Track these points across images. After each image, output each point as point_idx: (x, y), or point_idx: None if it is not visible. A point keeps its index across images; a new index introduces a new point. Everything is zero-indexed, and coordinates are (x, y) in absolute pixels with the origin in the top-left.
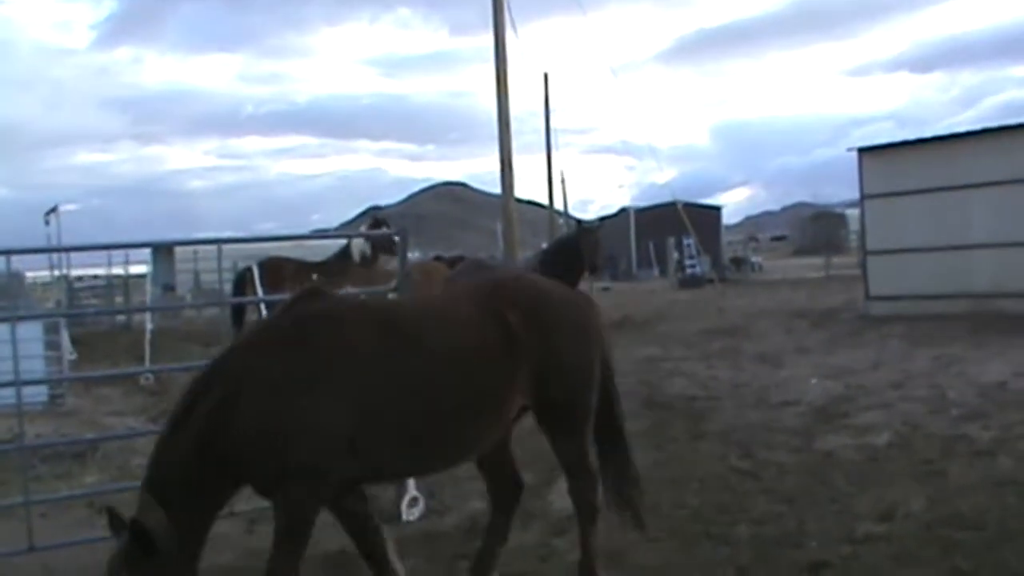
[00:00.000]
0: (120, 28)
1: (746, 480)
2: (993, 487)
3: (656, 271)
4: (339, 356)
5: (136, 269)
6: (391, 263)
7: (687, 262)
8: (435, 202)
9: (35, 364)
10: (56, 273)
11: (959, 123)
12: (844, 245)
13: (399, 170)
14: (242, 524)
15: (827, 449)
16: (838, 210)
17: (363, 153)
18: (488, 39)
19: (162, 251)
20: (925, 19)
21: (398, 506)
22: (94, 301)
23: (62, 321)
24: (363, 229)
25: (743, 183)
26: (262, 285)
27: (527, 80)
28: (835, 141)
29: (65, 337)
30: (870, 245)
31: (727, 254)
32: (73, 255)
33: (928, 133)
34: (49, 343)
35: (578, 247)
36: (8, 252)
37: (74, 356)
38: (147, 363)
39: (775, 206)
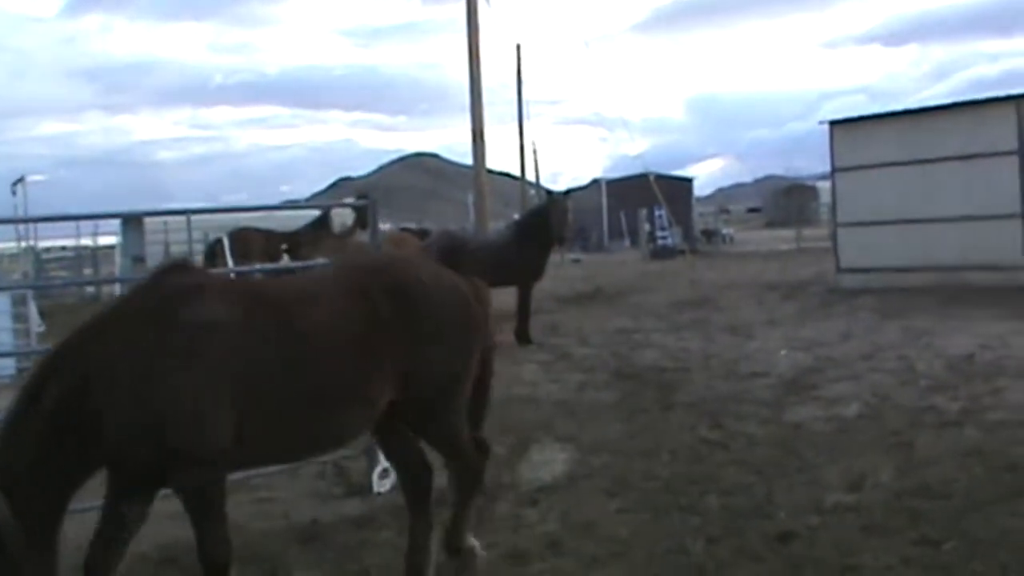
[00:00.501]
0: None
1: (716, 451)
2: (960, 457)
3: (627, 242)
4: (211, 333)
5: (105, 240)
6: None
7: (658, 234)
8: (406, 173)
9: (3, 336)
10: (23, 244)
11: (930, 97)
12: (815, 218)
13: (370, 141)
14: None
15: (796, 420)
16: (810, 183)
17: (334, 124)
18: (460, 9)
19: (132, 222)
20: None
21: (369, 477)
22: (62, 273)
23: (29, 293)
24: (346, 200)
25: (716, 155)
26: (232, 256)
27: (500, 51)
28: (808, 114)
29: (33, 309)
30: (840, 218)
31: (699, 226)
32: (40, 226)
33: (899, 107)
34: (17, 315)
35: (548, 218)
36: None
37: (42, 328)
38: None
39: (748, 178)
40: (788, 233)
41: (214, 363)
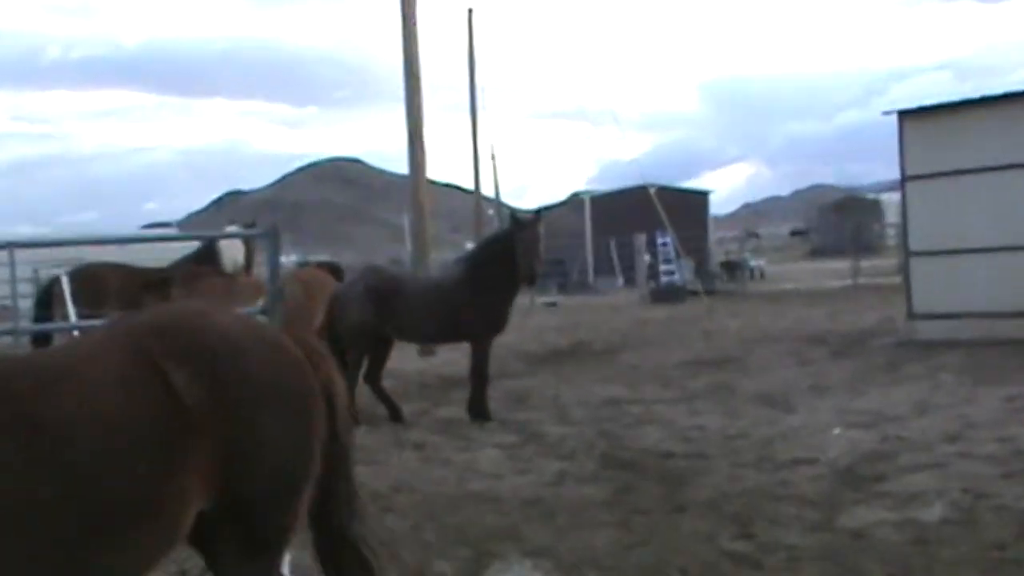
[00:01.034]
0: None
1: (744, 569)
2: None
3: (620, 280)
4: None
5: None
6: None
7: (662, 267)
8: (319, 186)
9: None
10: None
11: None
12: (878, 243)
13: (268, 142)
14: None
15: (856, 527)
16: (870, 195)
17: (219, 117)
18: None
19: None
20: None
21: None
22: None
23: None
24: (232, 228)
25: (740, 159)
26: (76, 303)
27: (446, 19)
28: (867, 101)
29: None
30: (914, 244)
31: (717, 256)
32: None
33: (998, 89)
34: None
35: (513, 248)
36: None
37: None
38: None
39: (784, 190)
40: (840, 265)
41: None
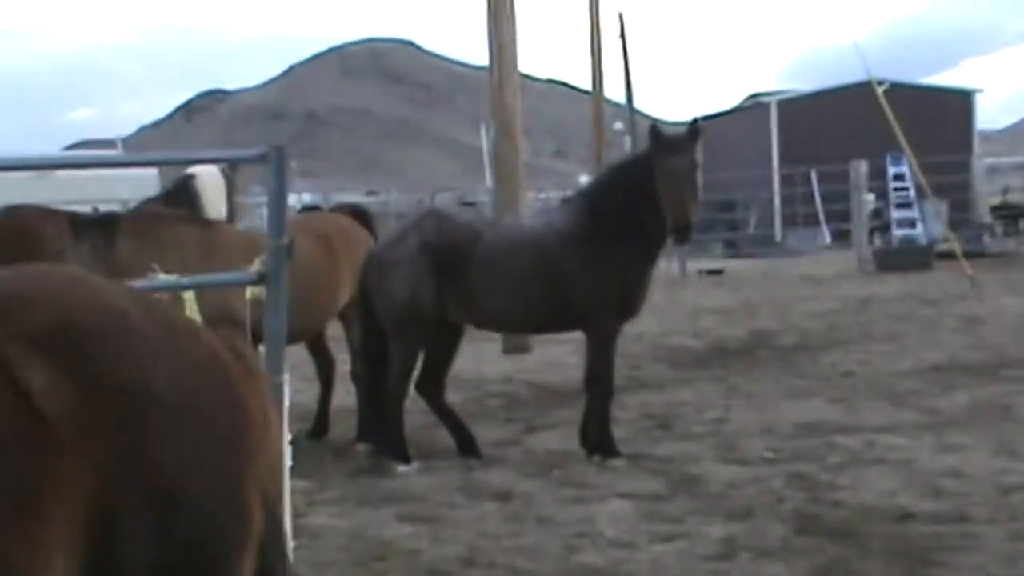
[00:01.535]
0: None
1: None
2: None
3: (826, 235)
4: None
5: None
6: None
7: (896, 214)
8: (344, 84)
9: None
10: None
11: None
12: None
13: (263, 17)
14: None
15: None
16: None
17: None
18: None
19: None
20: None
21: None
22: None
23: None
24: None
25: None
26: None
27: None
28: None
29: None
30: None
31: (986, 196)
32: None
33: None
34: None
35: (651, 184)
36: None
37: None
38: None
39: None
40: None
41: None
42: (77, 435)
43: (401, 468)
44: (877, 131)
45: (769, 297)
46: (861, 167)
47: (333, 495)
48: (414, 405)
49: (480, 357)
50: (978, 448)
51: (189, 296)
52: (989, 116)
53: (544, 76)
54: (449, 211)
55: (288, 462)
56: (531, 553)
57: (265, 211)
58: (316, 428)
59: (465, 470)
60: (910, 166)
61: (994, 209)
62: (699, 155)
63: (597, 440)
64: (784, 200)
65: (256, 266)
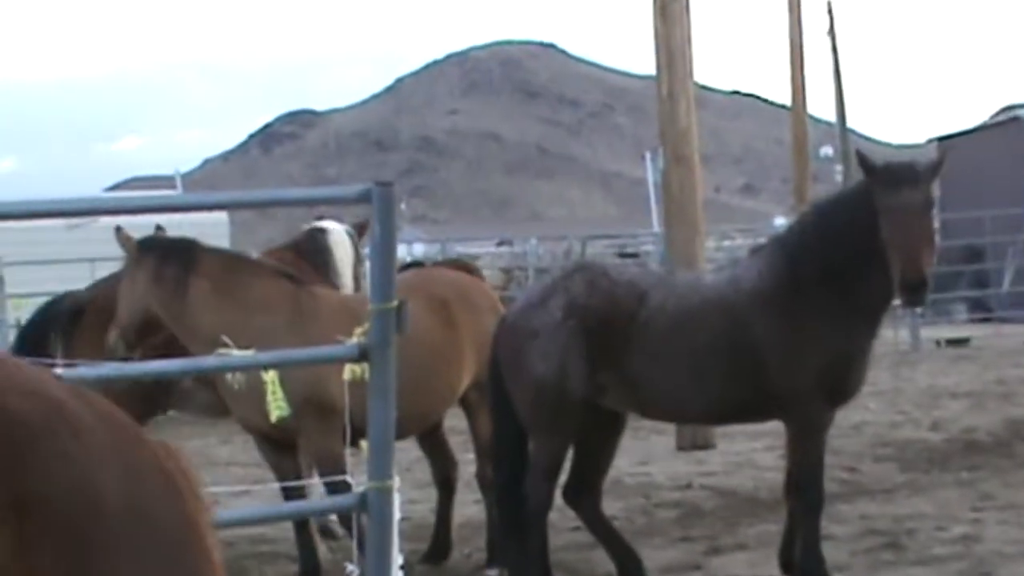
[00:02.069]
0: None
1: None
2: None
3: None
4: None
5: None
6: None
7: None
8: (466, 100)
9: None
10: None
11: None
12: None
13: (361, 20)
14: None
15: None
16: None
17: None
18: None
19: None
20: None
21: None
22: None
23: None
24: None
25: None
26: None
27: None
28: None
29: None
30: None
31: None
32: None
33: None
34: None
35: (871, 228)
36: None
37: None
38: None
39: None
40: None
41: None
42: (8, 549)
43: None
44: None
45: None
46: None
47: None
48: (561, 518)
49: (648, 455)
50: None
51: (272, 376)
52: None
53: (727, 88)
54: (605, 265)
55: None
56: None
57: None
58: (434, 549)
59: None
60: None
61: None
62: (934, 192)
63: (803, 564)
64: None
65: (357, 337)
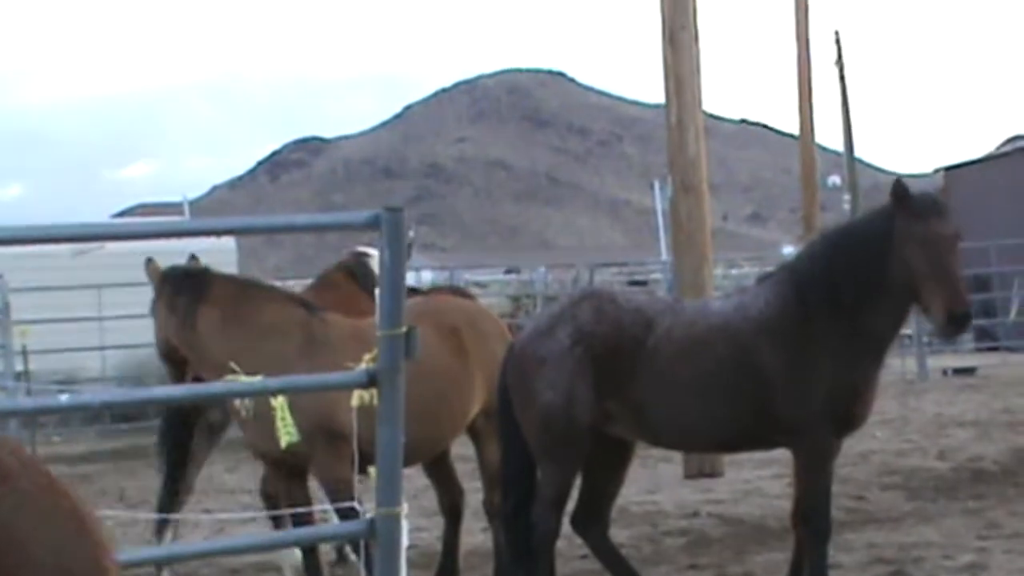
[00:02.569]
0: None
1: None
2: None
3: None
4: None
5: None
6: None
7: None
8: (476, 129)
9: None
10: None
11: None
12: None
13: (371, 45)
14: None
15: None
16: None
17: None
18: None
19: None
20: None
21: None
22: None
23: None
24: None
25: None
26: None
27: None
28: None
29: None
30: None
31: None
32: None
33: None
34: None
35: (883, 254)
36: None
37: None
38: None
39: None
40: None
41: None
42: None
43: None
44: None
45: None
46: None
47: None
48: (569, 545)
49: (655, 483)
50: None
51: (281, 402)
52: None
53: (736, 117)
54: (612, 292)
55: None
56: None
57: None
58: None
59: None
60: None
61: None
62: (952, 213)
63: None
64: None
65: (365, 364)
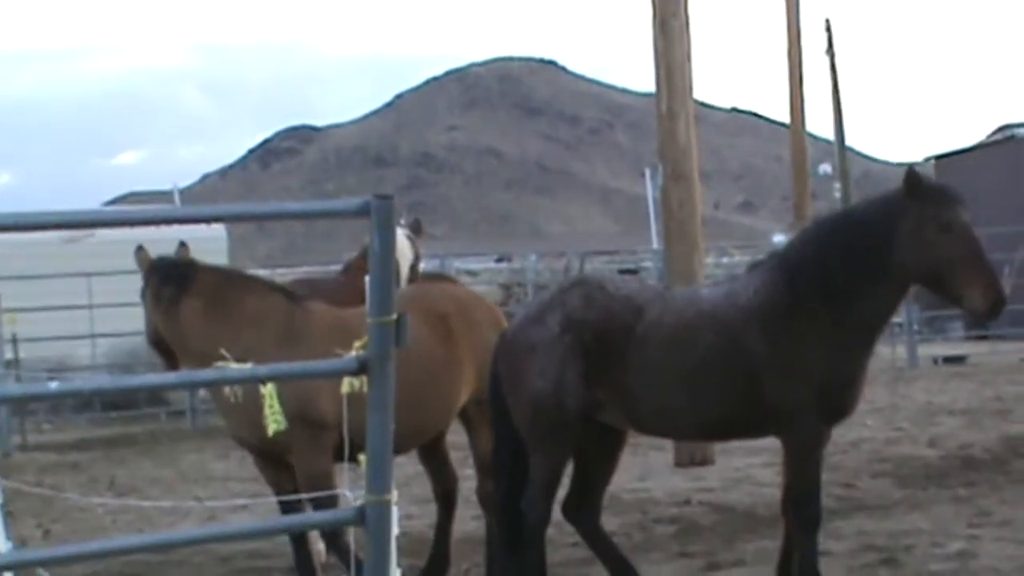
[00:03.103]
0: None
1: None
2: None
3: None
4: None
5: None
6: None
7: None
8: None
9: None
10: None
11: None
12: None
13: (360, 33)
14: None
15: None
16: None
17: None
18: None
19: None
20: None
21: None
22: None
23: None
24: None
25: None
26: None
27: None
28: None
29: None
30: None
31: None
32: None
33: None
34: None
35: (893, 239)
36: None
37: None
38: None
39: None
40: None
41: None
42: None
43: None
44: None
45: None
46: None
47: None
48: (559, 533)
49: (646, 471)
50: None
51: (269, 390)
52: None
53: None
54: (602, 279)
55: None
56: None
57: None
58: (432, 564)
59: None
60: None
61: None
62: (962, 201)
63: None
64: None
65: (356, 351)
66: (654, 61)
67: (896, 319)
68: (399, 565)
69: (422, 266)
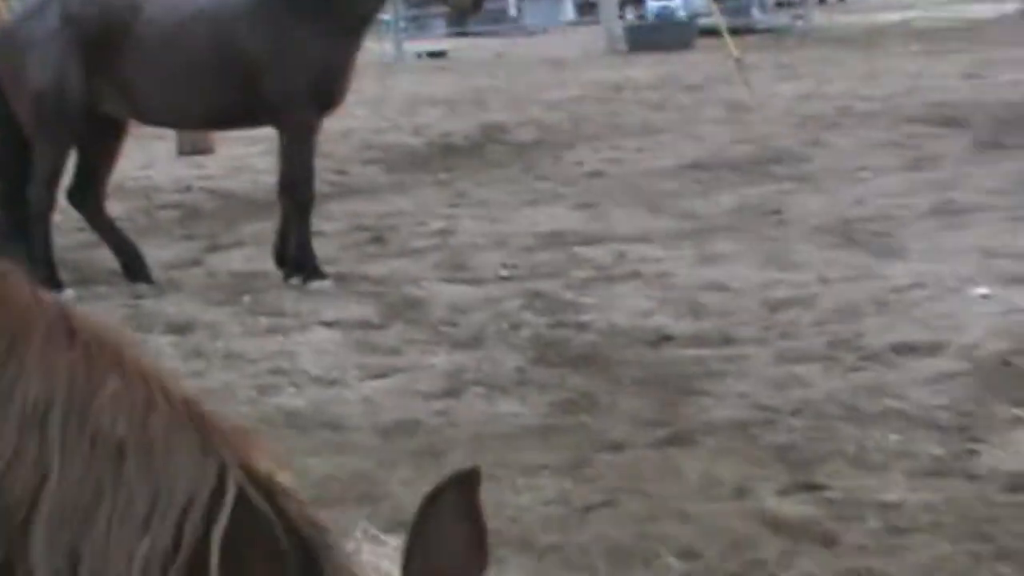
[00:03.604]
0: None
1: (802, 548)
2: None
3: (570, 8)
4: None
5: None
6: None
7: None
8: None
9: None
10: None
11: None
12: None
13: None
14: None
15: (1011, 470)
16: None
17: None
18: None
19: None
20: None
21: None
22: None
23: None
24: None
25: None
26: None
27: None
28: None
29: None
30: None
31: None
32: None
33: None
34: None
35: None
36: None
37: None
38: None
39: None
40: None
41: None
42: None
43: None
44: None
45: (502, 84)
46: None
47: None
48: (66, 219)
49: (149, 159)
50: (744, 258)
51: None
52: None
53: None
54: None
55: None
56: (218, 396)
57: None
58: None
59: (133, 298)
60: None
61: None
62: None
63: (296, 258)
64: None
65: None
66: None
67: (383, 16)
68: None
69: None
